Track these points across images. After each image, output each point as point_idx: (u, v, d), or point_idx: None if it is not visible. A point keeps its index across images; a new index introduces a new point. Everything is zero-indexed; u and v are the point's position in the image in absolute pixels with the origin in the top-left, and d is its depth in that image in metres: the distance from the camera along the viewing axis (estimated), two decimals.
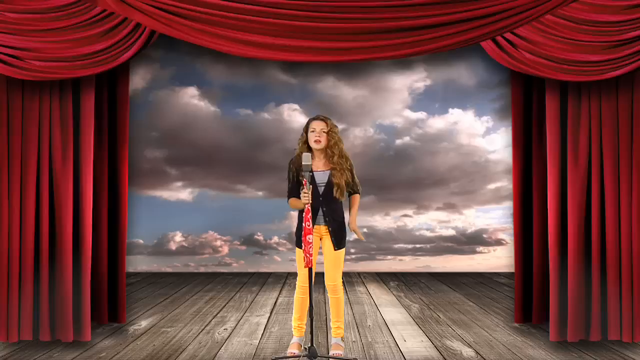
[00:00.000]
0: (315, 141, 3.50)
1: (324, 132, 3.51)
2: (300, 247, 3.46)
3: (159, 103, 7.73)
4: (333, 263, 3.55)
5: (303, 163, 3.28)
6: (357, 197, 3.66)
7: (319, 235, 3.55)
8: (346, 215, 3.62)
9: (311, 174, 3.35)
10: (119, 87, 4.03)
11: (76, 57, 3.56)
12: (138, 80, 7.36)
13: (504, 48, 3.59)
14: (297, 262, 3.55)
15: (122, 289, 4.17)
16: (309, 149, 3.54)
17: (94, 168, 3.84)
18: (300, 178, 3.44)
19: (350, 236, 3.64)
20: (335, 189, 3.49)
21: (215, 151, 7.89)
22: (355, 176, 3.62)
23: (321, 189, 3.52)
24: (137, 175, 7.15)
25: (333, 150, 3.52)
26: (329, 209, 3.52)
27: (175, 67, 7.62)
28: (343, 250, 3.58)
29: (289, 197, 3.57)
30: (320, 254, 3.61)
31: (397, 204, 8.05)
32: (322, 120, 3.54)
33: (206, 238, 7.88)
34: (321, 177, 3.53)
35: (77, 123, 3.76)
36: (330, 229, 3.52)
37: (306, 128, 3.58)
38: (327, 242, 3.54)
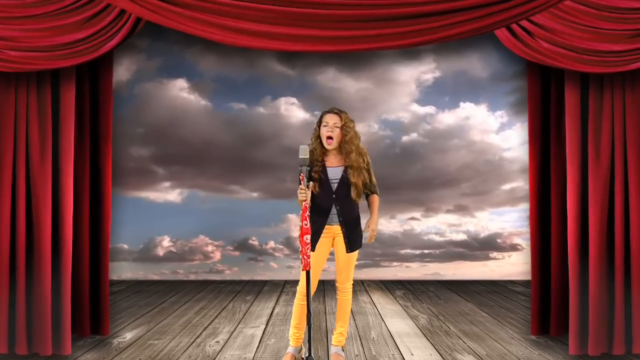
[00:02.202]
0: (328, 139, 3.51)
1: (337, 126, 3.52)
2: (314, 250, 3.48)
3: (145, 96, 7.74)
4: (345, 265, 3.60)
5: (299, 156, 3.27)
6: (376, 198, 3.66)
7: (332, 236, 3.56)
8: (361, 216, 3.64)
9: (308, 168, 3.34)
10: (102, 79, 4.03)
11: (55, 46, 3.56)
12: (122, 71, 7.37)
13: (520, 37, 3.60)
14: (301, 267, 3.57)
15: (105, 298, 4.17)
16: (322, 145, 3.55)
17: (75, 167, 3.85)
18: (314, 175, 3.46)
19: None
20: (352, 189, 3.50)
21: (207, 149, 7.89)
22: (373, 175, 3.63)
23: (334, 186, 3.53)
24: (121, 175, 7.16)
25: (349, 146, 3.51)
26: (343, 207, 3.53)
27: (163, 58, 7.62)
28: (357, 252, 3.60)
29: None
30: (331, 259, 3.63)
31: (404, 206, 8.06)
32: (335, 113, 3.55)
33: (196, 243, 7.88)
34: (334, 174, 3.53)
35: (57, 118, 3.77)
36: (343, 229, 3.53)
37: (319, 122, 3.59)
38: (340, 243, 3.56)
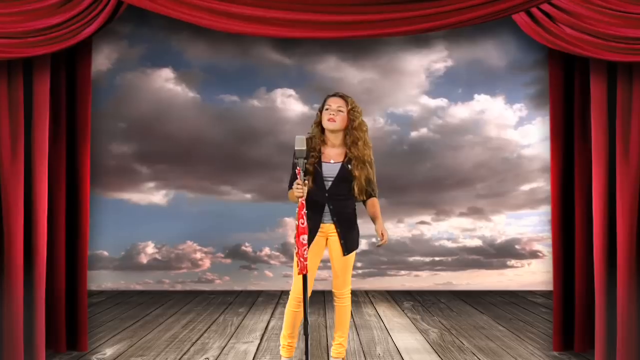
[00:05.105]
0: (329, 119, 3.52)
1: (340, 110, 3.53)
2: None
3: (127, 88, 7.74)
4: (342, 269, 3.61)
5: (295, 148, 3.27)
6: (376, 201, 3.67)
7: (325, 235, 3.57)
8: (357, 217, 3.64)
9: (305, 161, 3.35)
10: (79, 69, 4.03)
11: (28, 32, 3.56)
12: (102, 60, 7.37)
13: (541, 22, 3.59)
14: (294, 266, 3.58)
15: (83, 310, 4.17)
16: (323, 132, 3.56)
17: (50, 165, 3.84)
18: (308, 165, 3.46)
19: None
20: (355, 183, 3.51)
21: (195, 146, 7.90)
22: (374, 174, 3.63)
23: (328, 184, 3.53)
24: (100, 175, 7.16)
25: (357, 134, 3.53)
26: (337, 206, 3.54)
27: (147, 45, 7.62)
28: (354, 254, 3.61)
29: (289, 187, 3.58)
30: (324, 263, 3.64)
31: (413, 208, 8.06)
32: (340, 97, 3.57)
33: (184, 250, 7.89)
34: (330, 170, 3.54)
35: (29, 112, 3.76)
36: (338, 229, 3.53)
37: (322, 106, 3.61)
38: (335, 244, 3.56)
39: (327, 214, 3.55)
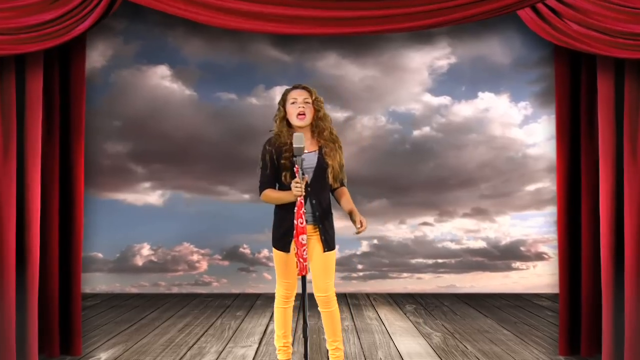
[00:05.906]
0: (299, 115, 3.50)
1: (307, 102, 3.52)
2: (279, 248, 3.52)
3: (122, 85, 7.74)
4: (324, 269, 3.54)
5: (295, 146, 3.25)
6: (347, 191, 3.66)
7: None
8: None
9: (303, 158, 3.34)
10: (73, 66, 4.03)
11: (21, 28, 3.56)
12: (96, 57, 7.37)
13: (546, 18, 3.59)
14: (275, 266, 3.60)
15: (77, 314, 4.17)
16: (289, 127, 3.54)
17: (42, 165, 3.84)
18: (284, 162, 3.45)
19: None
20: (329, 171, 3.50)
21: (192, 145, 7.90)
22: (344, 160, 3.63)
23: (309, 175, 3.50)
24: (95, 175, 7.15)
25: (324, 123, 3.54)
26: (318, 201, 3.51)
27: (142, 42, 7.63)
28: (335, 251, 3.58)
29: (263, 187, 3.56)
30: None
31: (415, 209, 8.07)
32: (304, 89, 3.56)
33: (180, 251, 7.89)
34: (308, 161, 3.51)
35: (22, 110, 3.77)
36: (320, 226, 3.51)
37: (283, 100, 3.57)
38: (316, 243, 3.53)
39: (309, 215, 3.49)
